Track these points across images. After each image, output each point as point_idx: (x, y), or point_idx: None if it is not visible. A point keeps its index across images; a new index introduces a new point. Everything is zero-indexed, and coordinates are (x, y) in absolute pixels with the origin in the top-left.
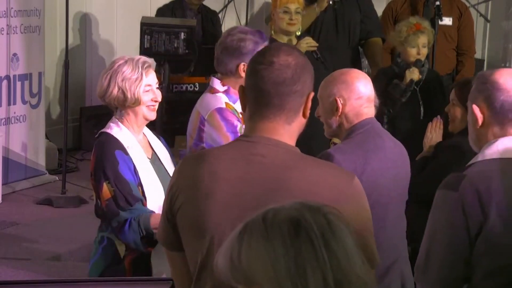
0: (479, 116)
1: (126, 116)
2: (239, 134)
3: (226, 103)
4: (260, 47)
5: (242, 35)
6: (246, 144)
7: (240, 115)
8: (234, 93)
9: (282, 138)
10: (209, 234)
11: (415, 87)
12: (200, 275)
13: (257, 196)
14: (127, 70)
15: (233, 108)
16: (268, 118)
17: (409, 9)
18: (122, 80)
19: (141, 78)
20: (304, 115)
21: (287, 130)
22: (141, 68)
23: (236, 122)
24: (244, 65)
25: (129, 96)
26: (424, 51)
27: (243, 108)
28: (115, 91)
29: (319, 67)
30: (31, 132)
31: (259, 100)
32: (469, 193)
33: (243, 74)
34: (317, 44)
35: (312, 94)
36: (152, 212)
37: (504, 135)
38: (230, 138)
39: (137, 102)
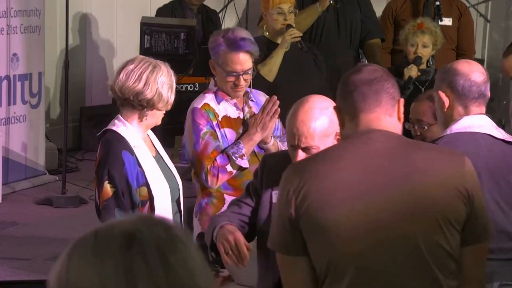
0: (445, 100)
1: (145, 117)
2: (200, 139)
3: (205, 103)
4: (225, 51)
5: (220, 32)
6: (361, 139)
7: (217, 118)
8: (221, 94)
9: (387, 125)
10: (343, 227)
11: (420, 87)
12: (336, 269)
13: (383, 187)
14: (164, 75)
15: (210, 109)
16: (369, 110)
17: (409, 9)
18: (161, 84)
19: (173, 84)
20: (399, 119)
21: (389, 121)
22: (173, 75)
23: (202, 126)
24: (212, 62)
25: (165, 99)
26: (425, 51)
27: (342, 125)
28: (153, 93)
29: (307, 59)
30: (31, 132)
31: (355, 99)
32: None
33: (213, 72)
34: (301, 34)
35: (403, 101)
36: None
37: (467, 114)
38: (193, 139)
39: (167, 105)
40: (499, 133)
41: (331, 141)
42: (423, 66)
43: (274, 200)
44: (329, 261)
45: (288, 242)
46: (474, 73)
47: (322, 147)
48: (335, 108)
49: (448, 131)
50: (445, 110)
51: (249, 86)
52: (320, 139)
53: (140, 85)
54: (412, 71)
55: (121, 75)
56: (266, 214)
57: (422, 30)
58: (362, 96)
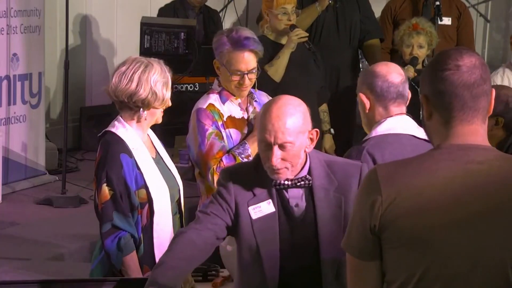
0: (366, 102)
1: (143, 116)
2: (206, 139)
3: (210, 103)
4: (230, 51)
5: (224, 32)
6: (457, 154)
7: (222, 118)
8: (226, 94)
9: (483, 139)
10: (434, 246)
11: (417, 87)
12: (419, 283)
13: (485, 204)
14: (157, 73)
15: (215, 109)
16: (467, 121)
17: (409, 9)
18: (154, 82)
19: (168, 81)
20: (489, 112)
21: (484, 129)
22: (167, 71)
23: (208, 126)
24: (216, 62)
25: (160, 97)
26: (421, 52)
27: (428, 116)
28: (147, 92)
29: (309, 58)
30: (31, 132)
31: (453, 105)
32: (368, 160)
33: (217, 72)
34: (307, 34)
35: (494, 91)
36: (133, 249)
37: (388, 114)
38: (198, 140)
39: (163, 103)
40: (421, 133)
41: (305, 139)
42: (419, 67)
43: (253, 216)
44: (410, 275)
45: (365, 248)
46: (391, 74)
47: (297, 144)
48: (422, 97)
49: (374, 133)
50: (367, 111)
51: (254, 87)
52: (296, 135)
53: (133, 86)
54: (409, 72)
55: (114, 78)
56: (250, 232)
57: (418, 31)
58: (461, 103)
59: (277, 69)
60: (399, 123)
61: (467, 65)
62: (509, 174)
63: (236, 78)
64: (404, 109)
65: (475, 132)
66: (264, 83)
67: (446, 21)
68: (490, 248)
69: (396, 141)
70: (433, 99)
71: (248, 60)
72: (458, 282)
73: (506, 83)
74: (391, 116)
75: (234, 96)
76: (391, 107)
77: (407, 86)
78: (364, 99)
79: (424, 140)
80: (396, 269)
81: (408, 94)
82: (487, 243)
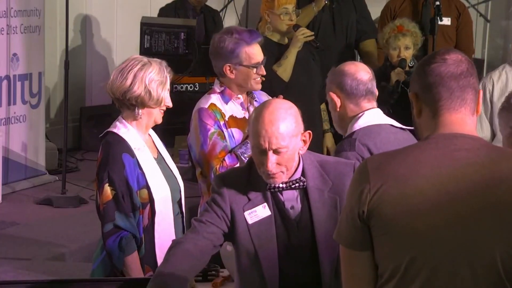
0: (337, 100)
1: (141, 115)
2: (208, 139)
3: (212, 103)
4: (245, 47)
5: (224, 36)
6: (444, 143)
7: (224, 118)
8: (229, 94)
9: (471, 129)
10: (420, 234)
11: (406, 88)
12: (406, 272)
13: (472, 193)
14: (153, 72)
15: (217, 109)
16: (454, 109)
17: (408, 9)
18: (149, 81)
19: (166, 81)
20: (477, 112)
21: (472, 121)
22: (166, 71)
23: (210, 126)
24: (229, 66)
25: (155, 96)
26: (408, 53)
27: (418, 113)
28: (140, 90)
29: (309, 57)
30: (31, 132)
31: (440, 94)
32: (363, 149)
33: (230, 75)
34: (313, 33)
35: (481, 92)
36: (135, 248)
37: (360, 110)
38: (200, 140)
39: (158, 103)
40: (396, 123)
41: (298, 142)
42: (406, 68)
43: (250, 221)
44: (397, 265)
45: (355, 237)
46: (360, 72)
47: (291, 148)
48: (411, 95)
49: (356, 127)
50: (338, 109)
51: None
52: (290, 139)
53: (127, 83)
54: (399, 75)
55: (112, 75)
56: (248, 237)
57: (403, 32)
58: (448, 92)
59: (286, 69)
60: (375, 115)
61: (453, 58)
62: (496, 163)
63: (260, 71)
64: (375, 104)
65: (462, 121)
66: (273, 83)
67: (446, 21)
68: (477, 238)
69: (381, 130)
70: (422, 94)
71: (260, 50)
72: (445, 273)
73: (503, 78)
74: (365, 110)
75: (237, 95)
76: (362, 103)
77: (374, 83)
78: (334, 97)
79: (401, 128)
80: (384, 259)
81: (376, 91)
82: (474, 233)
